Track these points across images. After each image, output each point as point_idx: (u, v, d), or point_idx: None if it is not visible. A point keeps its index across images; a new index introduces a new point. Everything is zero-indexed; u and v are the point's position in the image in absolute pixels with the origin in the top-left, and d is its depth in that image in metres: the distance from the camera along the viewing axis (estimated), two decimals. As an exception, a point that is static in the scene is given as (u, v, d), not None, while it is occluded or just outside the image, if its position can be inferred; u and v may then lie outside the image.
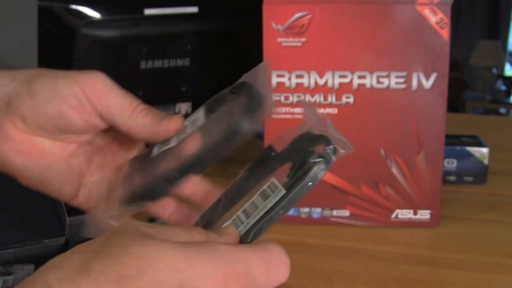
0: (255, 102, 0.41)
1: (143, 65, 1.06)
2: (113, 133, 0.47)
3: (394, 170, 0.87)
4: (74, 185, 0.47)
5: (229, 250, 0.34)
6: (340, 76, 0.85)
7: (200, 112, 0.45)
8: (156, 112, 0.44)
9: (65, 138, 0.44)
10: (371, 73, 0.85)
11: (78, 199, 0.48)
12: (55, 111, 0.42)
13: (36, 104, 0.42)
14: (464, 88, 5.20)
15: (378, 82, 0.85)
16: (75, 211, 0.84)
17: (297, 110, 0.87)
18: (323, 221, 0.90)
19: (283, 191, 0.39)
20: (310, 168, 0.39)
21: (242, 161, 1.36)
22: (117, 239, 0.32)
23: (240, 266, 0.34)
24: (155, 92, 1.13)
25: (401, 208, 0.88)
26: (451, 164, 1.06)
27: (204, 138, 0.43)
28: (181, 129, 0.44)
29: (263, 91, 0.42)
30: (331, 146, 0.40)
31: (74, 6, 0.98)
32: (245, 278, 0.34)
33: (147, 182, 0.43)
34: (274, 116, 0.87)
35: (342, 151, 0.40)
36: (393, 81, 0.85)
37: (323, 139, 0.40)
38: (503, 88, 5.29)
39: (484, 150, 1.06)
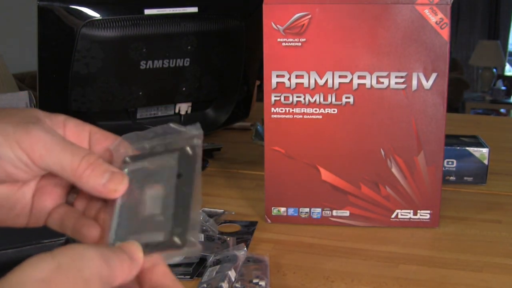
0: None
1: (143, 65, 1.06)
2: None
3: (394, 170, 0.87)
4: (26, 213, 0.47)
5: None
6: (340, 76, 0.85)
7: (139, 164, 0.45)
8: (100, 170, 0.43)
9: (12, 183, 0.45)
10: (371, 73, 0.85)
11: (50, 224, 0.48)
12: (1, 172, 0.42)
13: None
14: (464, 88, 5.20)
15: (378, 82, 0.85)
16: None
17: (297, 110, 0.87)
18: (323, 221, 0.90)
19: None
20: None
21: (243, 162, 1.36)
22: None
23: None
24: (155, 92, 1.13)
25: (401, 208, 0.88)
26: (451, 164, 1.07)
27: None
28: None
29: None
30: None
31: (74, 6, 0.98)
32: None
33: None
34: (274, 116, 0.87)
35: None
36: (393, 81, 0.85)
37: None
38: (503, 88, 5.29)
39: (484, 150, 1.06)
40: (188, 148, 0.43)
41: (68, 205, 0.47)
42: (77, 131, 0.46)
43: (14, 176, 0.43)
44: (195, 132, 0.44)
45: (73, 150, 0.43)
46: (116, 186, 0.43)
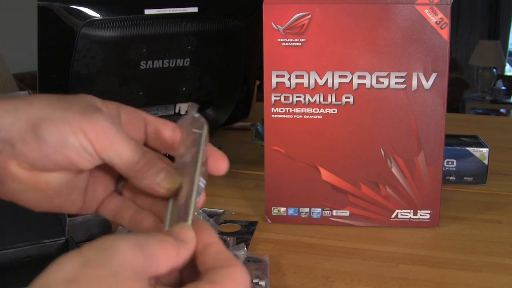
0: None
1: (143, 65, 1.06)
2: None
3: (394, 170, 0.87)
4: (81, 199, 0.47)
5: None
6: (340, 76, 0.85)
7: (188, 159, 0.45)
8: (156, 168, 0.43)
9: (71, 170, 0.44)
10: (371, 73, 0.85)
11: (102, 213, 0.47)
12: (64, 160, 0.42)
13: (45, 153, 0.41)
14: (464, 88, 5.20)
15: (378, 82, 0.85)
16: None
17: (297, 110, 0.87)
18: (323, 221, 0.90)
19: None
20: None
21: (243, 162, 1.36)
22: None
23: None
24: (155, 92, 1.13)
25: (401, 208, 0.88)
26: (451, 164, 1.07)
27: None
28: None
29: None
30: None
31: (74, 6, 0.98)
32: None
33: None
34: (274, 116, 0.87)
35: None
36: (393, 81, 0.85)
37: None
38: (503, 88, 5.29)
39: (484, 150, 1.06)
40: (203, 138, 0.44)
41: (118, 194, 0.47)
42: (131, 119, 0.46)
43: (76, 164, 0.42)
44: (198, 118, 0.44)
45: (134, 145, 0.43)
46: (169, 185, 0.43)
